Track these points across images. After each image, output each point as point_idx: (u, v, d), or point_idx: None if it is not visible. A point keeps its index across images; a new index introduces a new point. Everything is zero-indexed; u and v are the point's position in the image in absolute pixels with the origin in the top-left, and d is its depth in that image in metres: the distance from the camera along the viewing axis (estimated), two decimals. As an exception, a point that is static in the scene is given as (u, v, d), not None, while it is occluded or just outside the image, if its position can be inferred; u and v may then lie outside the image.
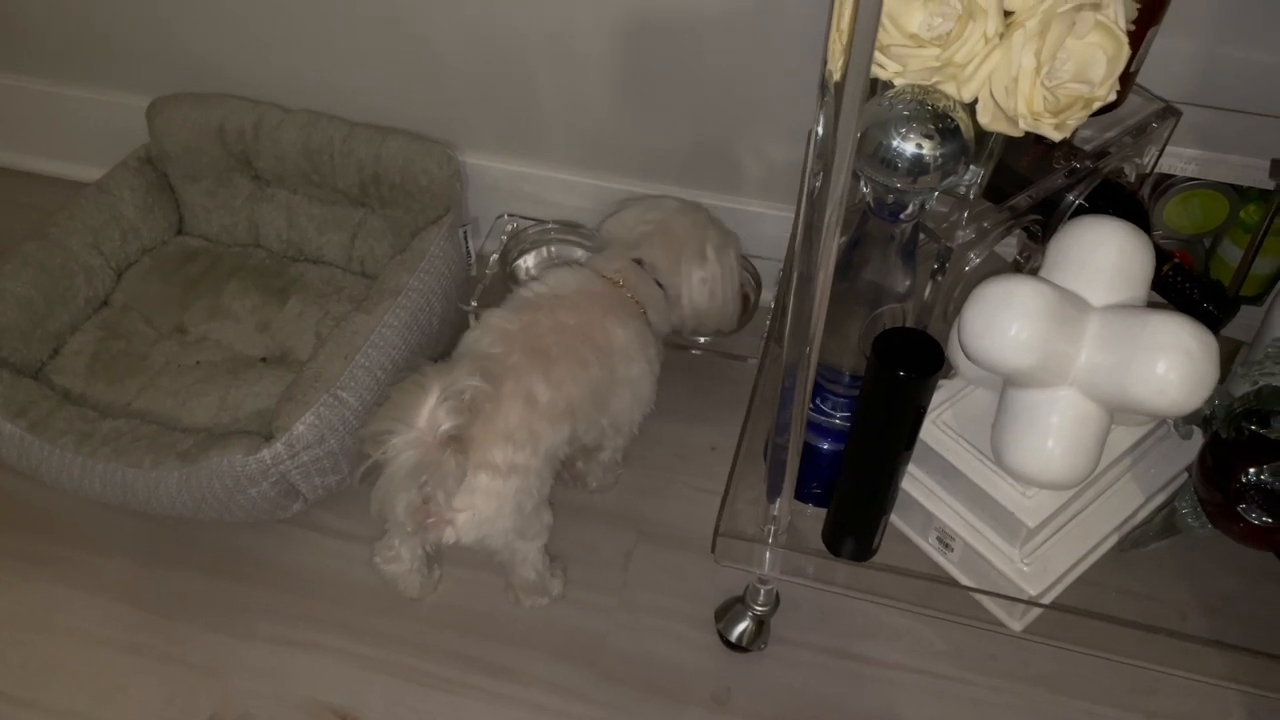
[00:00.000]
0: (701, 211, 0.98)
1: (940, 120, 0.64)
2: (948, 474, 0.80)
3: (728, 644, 0.90)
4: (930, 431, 0.79)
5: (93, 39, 1.20)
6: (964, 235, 0.73)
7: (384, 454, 0.74)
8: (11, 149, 1.36)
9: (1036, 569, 0.78)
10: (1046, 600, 0.78)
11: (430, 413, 0.74)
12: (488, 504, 0.80)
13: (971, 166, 0.71)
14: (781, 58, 0.98)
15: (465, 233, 1.12)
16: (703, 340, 1.05)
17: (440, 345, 1.06)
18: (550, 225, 1.14)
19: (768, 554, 0.80)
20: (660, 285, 0.95)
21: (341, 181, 1.12)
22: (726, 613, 0.91)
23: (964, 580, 0.82)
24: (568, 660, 0.91)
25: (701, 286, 0.95)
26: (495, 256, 1.12)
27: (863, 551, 0.81)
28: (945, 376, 0.81)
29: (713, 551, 0.79)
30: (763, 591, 0.88)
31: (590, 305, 0.89)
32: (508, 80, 1.09)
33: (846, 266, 0.77)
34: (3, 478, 1.03)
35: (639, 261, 0.94)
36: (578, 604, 0.94)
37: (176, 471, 0.88)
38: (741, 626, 0.90)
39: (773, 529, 0.79)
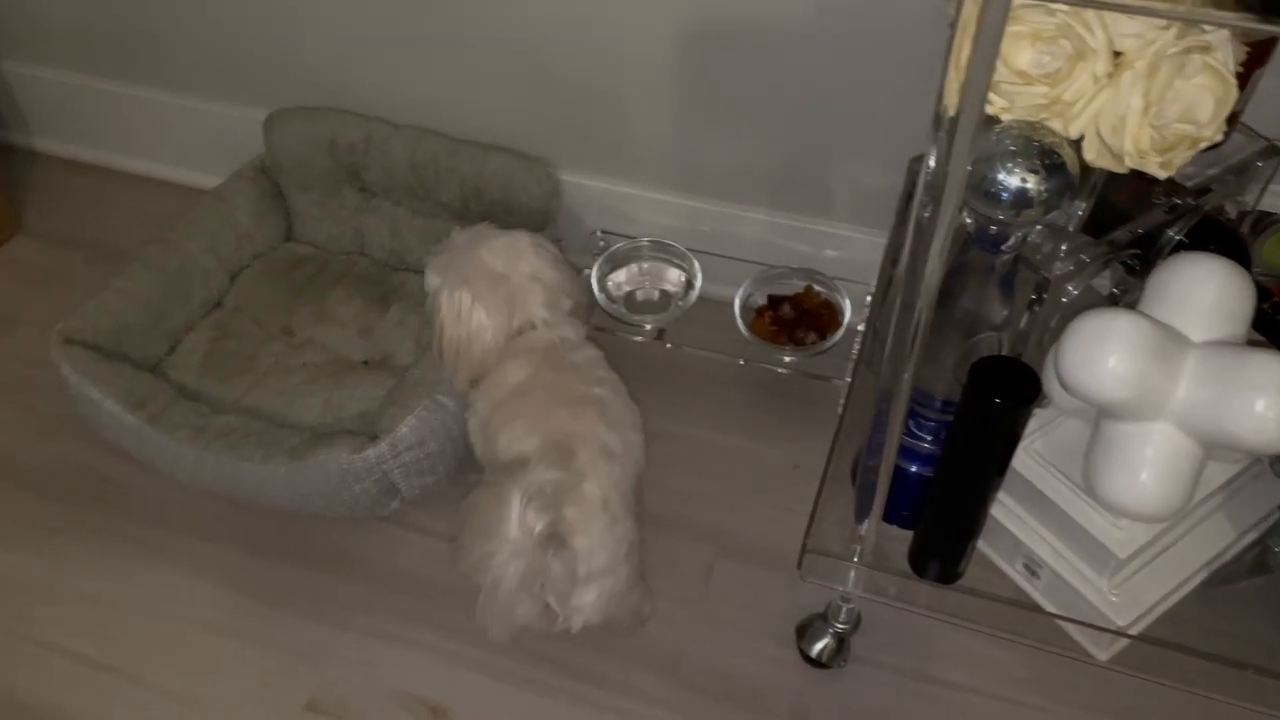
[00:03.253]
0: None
1: (1046, 156, 0.66)
2: (1038, 502, 0.81)
3: (807, 660, 0.92)
4: (1022, 459, 0.80)
5: (216, 55, 1.27)
6: (1062, 267, 0.74)
7: (492, 578, 0.76)
8: (137, 156, 1.44)
9: (1125, 600, 0.78)
10: (1133, 632, 0.79)
11: (519, 521, 0.74)
12: (606, 582, 0.82)
13: (1075, 201, 0.73)
14: (876, 84, 1.00)
15: (560, 248, 1.15)
16: (788, 359, 1.07)
17: None
18: (642, 242, 1.18)
19: (853, 572, 0.82)
20: None
21: (444, 195, 1.17)
22: (807, 629, 0.92)
23: (1049, 608, 0.83)
24: (649, 668, 0.93)
25: None
26: (587, 272, 1.15)
27: (948, 575, 0.82)
28: (1039, 406, 0.82)
29: (799, 567, 0.81)
30: (844, 609, 0.89)
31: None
32: (604, 102, 1.12)
33: (944, 294, 0.78)
34: (121, 468, 1.08)
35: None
36: (659, 614, 0.96)
37: (284, 467, 0.93)
38: (822, 643, 0.91)
39: (858, 548, 0.81)
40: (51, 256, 1.34)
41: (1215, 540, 0.83)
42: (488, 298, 0.92)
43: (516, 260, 0.94)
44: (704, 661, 0.93)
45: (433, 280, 0.95)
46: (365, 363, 1.12)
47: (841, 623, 0.90)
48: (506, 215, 1.15)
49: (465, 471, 1.04)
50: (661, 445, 1.10)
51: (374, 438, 0.93)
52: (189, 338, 1.14)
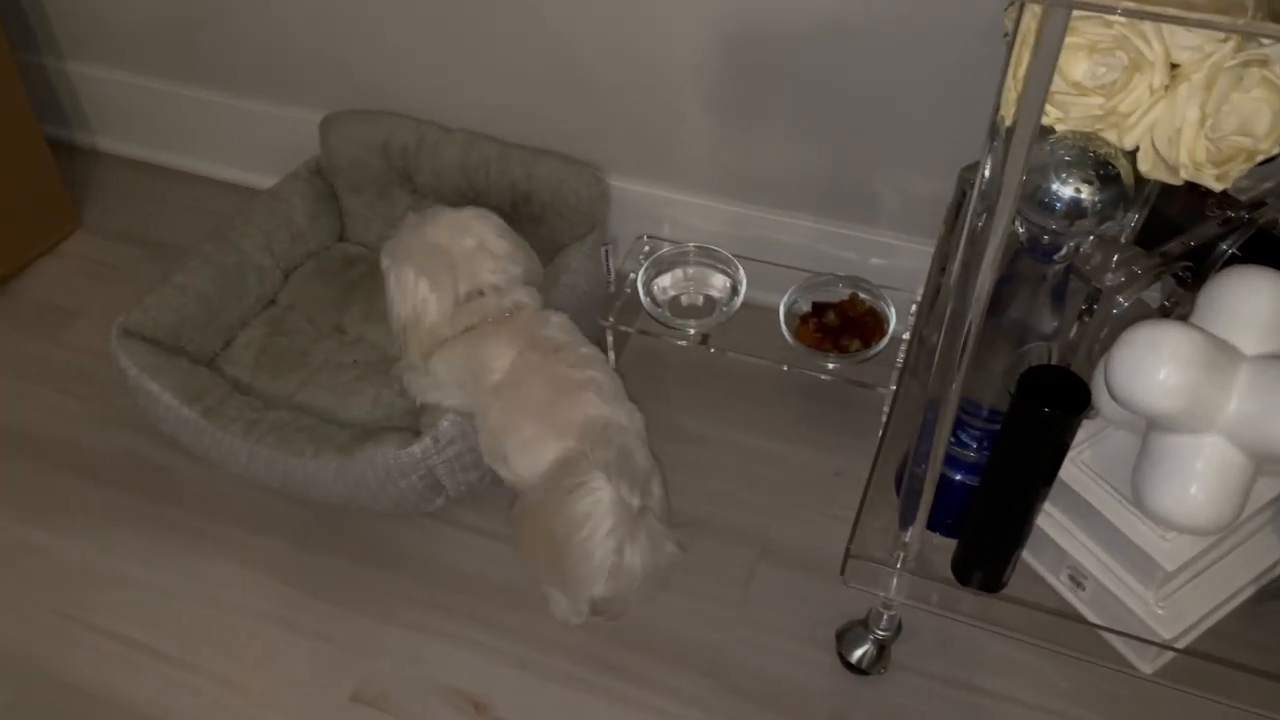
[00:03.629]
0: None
1: (1101, 167, 0.66)
2: (1084, 513, 0.81)
3: (847, 666, 0.92)
4: (1069, 470, 0.80)
5: (273, 58, 1.30)
6: (1114, 278, 0.74)
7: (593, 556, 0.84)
8: (195, 156, 1.48)
9: (1171, 613, 0.78)
10: (1179, 645, 0.78)
11: (617, 505, 0.83)
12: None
13: (1128, 212, 0.73)
14: (927, 92, 1.01)
15: (607, 251, 1.17)
16: (832, 366, 1.07)
17: None
18: (688, 247, 1.19)
19: (896, 579, 0.82)
20: None
21: (494, 198, 1.18)
22: (847, 634, 0.93)
23: (1094, 619, 0.82)
24: (688, 669, 0.94)
25: None
26: (633, 276, 1.17)
27: (991, 583, 0.82)
28: (1087, 416, 0.82)
29: (842, 573, 0.82)
30: (886, 616, 0.90)
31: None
32: (653, 107, 1.14)
33: (995, 303, 0.78)
34: (176, 459, 1.11)
35: None
36: (699, 615, 0.98)
37: (334, 462, 0.95)
38: (862, 649, 0.92)
39: (901, 555, 0.81)
40: (111, 252, 1.38)
41: (1264, 555, 0.82)
42: (431, 271, 0.95)
43: (462, 234, 0.97)
44: (743, 664, 0.94)
45: (384, 262, 0.99)
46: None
47: (882, 629, 0.90)
48: (556, 219, 1.17)
49: None
50: (704, 449, 1.11)
51: (419, 434, 0.95)
52: (244, 333, 1.17)
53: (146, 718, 0.92)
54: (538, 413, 0.91)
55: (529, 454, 0.90)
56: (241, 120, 1.38)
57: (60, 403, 1.19)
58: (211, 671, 0.95)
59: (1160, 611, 0.78)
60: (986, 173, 0.57)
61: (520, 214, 1.18)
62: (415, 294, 0.95)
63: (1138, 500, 0.75)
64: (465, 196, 1.21)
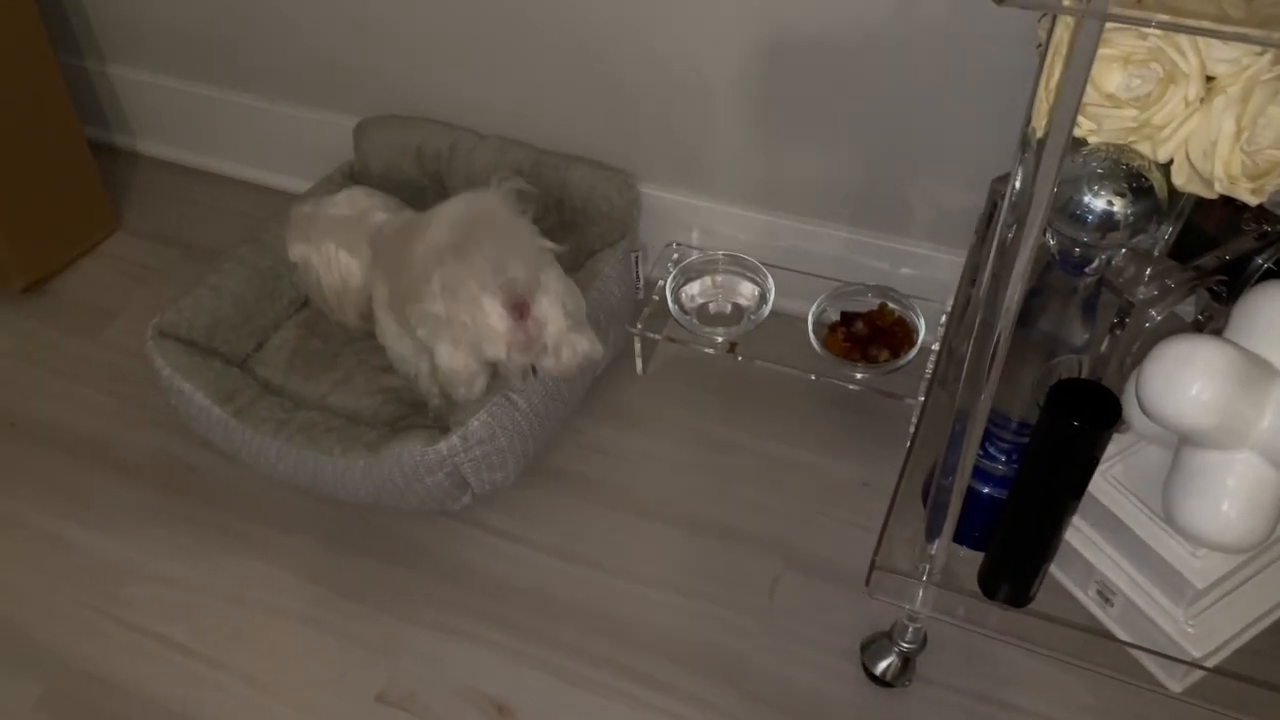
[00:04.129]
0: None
1: (1134, 179, 0.66)
2: (1114, 528, 0.80)
3: (871, 678, 0.92)
4: (1099, 484, 0.80)
5: (308, 64, 1.32)
6: (1146, 291, 0.74)
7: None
8: (232, 159, 1.50)
9: (1202, 631, 0.77)
10: (1210, 664, 0.77)
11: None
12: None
13: (1161, 225, 0.72)
14: (960, 102, 1.01)
15: (636, 258, 1.17)
16: (860, 376, 1.07)
17: (605, 361, 1.13)
18: (717, 255, 1.19)
19: (922, 591, 0.82)
20: None
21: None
22: (872, 646, 0.92)
23: (1122, 635, 0.82)
24: (711, 677, 0.94)
25: None
26: (662, 283, 1.17)
27: (1019, 598, 0.82)
28: (1118, 430, 0.81)
29: (867, 584, 0.82)
30: (911, 628, 0.89)
31: None
32: (685, 115, 1.14)
33: (1025, 315, 0.78)
34: (207, 459, 1.13)
35: None
36: (723, 623, 0.97)
37: (362, 460, 0.96)
38: (887, 661, 0.91)
39: (928, 567, 0.81)
40: (149, 253, 1.40)
41: (1298, 575, 0.81)
42: (348, 241, 1.04)
43: (360, 203, 1.06)
44: (766, 672, 0.94)
45: (298, 248, 1.06)
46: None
47: (907, 641, 0.90)
48: (587, 225, 1.17)
49: (532, 474, 1.08)
50: (730, 457, 1.11)
51: (446, 431, 0.96)
52: (277, 335, 1.19)
53: (175, 714, 0.93)
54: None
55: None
56: (277, 124, 1.40)
57: (98, 401, 1.21)
58: (240, 669, 0.96)
59: (1190, 629, 0.77)
60: (1018, 184, 0.57)
61: (551, 219, 1.19)
62: (340, 264, 1.04)
63: (1168, 516, 0.74)
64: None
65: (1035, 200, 0.56)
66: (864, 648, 0.93)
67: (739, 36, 1.05)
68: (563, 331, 0.94)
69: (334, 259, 1.04)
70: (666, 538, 1.04)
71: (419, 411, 1.08)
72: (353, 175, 1.28)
